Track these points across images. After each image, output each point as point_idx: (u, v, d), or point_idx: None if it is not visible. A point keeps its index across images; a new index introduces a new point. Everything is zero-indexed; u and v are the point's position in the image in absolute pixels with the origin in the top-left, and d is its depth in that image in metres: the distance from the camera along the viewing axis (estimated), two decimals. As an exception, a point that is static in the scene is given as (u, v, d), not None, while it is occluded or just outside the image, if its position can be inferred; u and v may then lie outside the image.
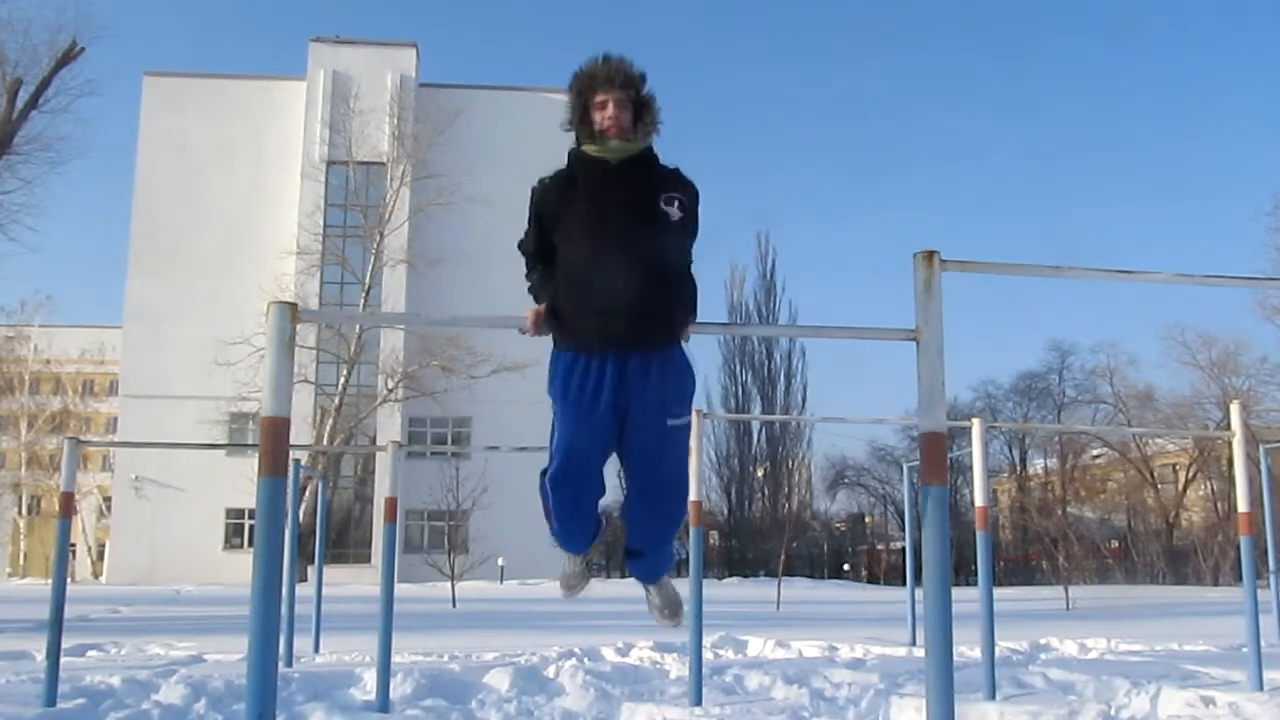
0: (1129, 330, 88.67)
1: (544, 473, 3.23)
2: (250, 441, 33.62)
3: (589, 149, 3.09)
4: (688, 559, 7.26)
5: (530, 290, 3.23)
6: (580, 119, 3.10)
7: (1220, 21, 77.34)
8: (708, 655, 8.49)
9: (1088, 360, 45.80)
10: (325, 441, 33.14)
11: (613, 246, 3.01)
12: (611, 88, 3.04)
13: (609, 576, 45.20)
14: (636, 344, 3.06)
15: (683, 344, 3.20)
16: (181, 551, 35.66)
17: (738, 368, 50.41)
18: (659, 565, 3.53)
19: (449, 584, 20.70)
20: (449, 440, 39.04)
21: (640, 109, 3.09)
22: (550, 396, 3.17)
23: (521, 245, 3.26)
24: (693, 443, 6.82)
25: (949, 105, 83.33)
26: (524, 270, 3.27)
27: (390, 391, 36.08)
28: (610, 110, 3.05)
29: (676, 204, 3.09)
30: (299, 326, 2.94)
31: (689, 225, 3.17)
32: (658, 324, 3.08)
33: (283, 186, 39.38)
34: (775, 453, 50.53)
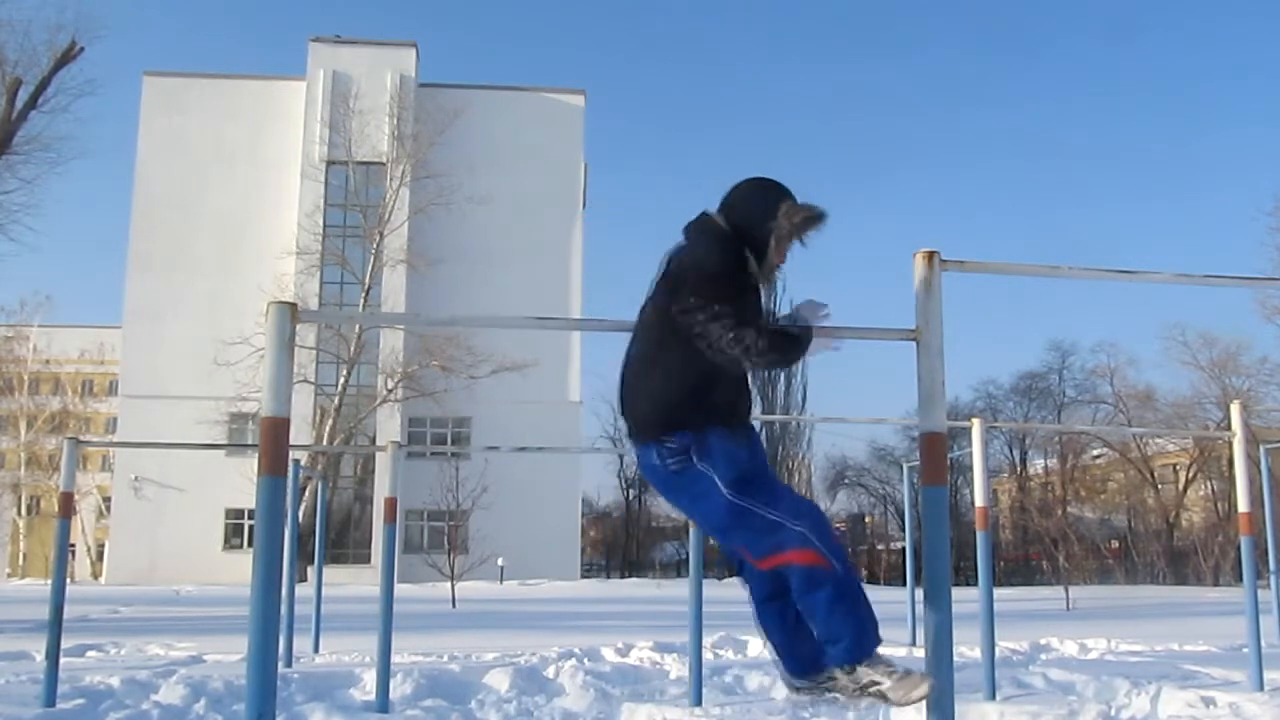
0: (1129, 330, 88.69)
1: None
2: (250, 441, 33.58)
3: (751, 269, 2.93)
4: (688, 559, 7.26)
5: (782, 346, 2.83)
6: (761, 236, 2.89)
7: (1220, 21, 77.41)
8: (708, 655, 8.48)
9: (1088, 360, 45.82)
10: (325, 441, 33.12)
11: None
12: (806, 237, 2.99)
13: (608, 577, 45.19)
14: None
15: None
16: (181, 552, 35.62)
17: (737, 368, 50.41)
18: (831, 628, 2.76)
19: (449, 584, 20.68)
20: (449, 440, 38.94)
21: None
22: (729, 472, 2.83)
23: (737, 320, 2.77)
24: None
25: (949, 105, 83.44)
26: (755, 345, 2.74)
27: (390, 391, 36.05)
28: (787, 257, 2.99)
29: None
30: (299, 326, 2.94)
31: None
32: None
33: (282, 186, 39.35)
34: (775, 453, 50.41)
